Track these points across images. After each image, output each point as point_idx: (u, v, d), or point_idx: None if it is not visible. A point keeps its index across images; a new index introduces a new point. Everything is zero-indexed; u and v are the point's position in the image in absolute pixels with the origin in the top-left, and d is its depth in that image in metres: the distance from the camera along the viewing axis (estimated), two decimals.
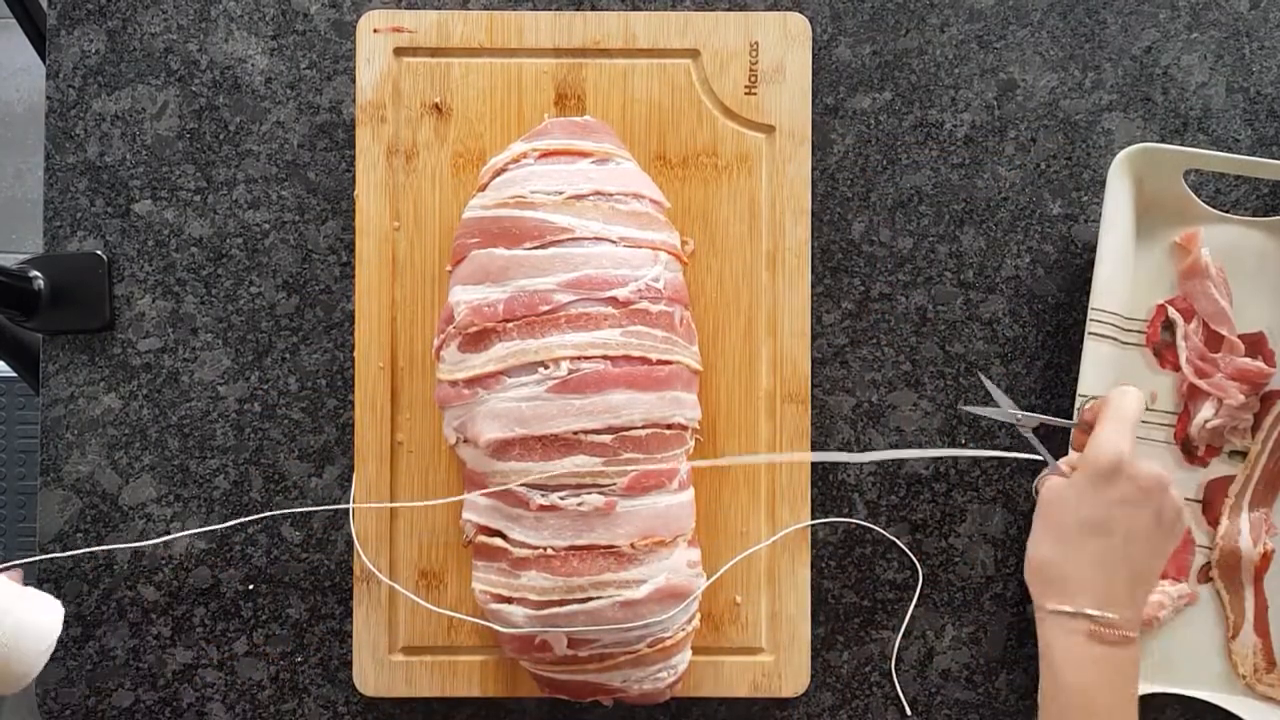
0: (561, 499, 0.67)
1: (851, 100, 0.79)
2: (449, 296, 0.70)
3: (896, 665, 0.78)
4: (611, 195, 0.69)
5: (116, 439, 0.77)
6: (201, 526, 0.77)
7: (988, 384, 0.71)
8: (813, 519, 0.76)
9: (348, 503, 0.75)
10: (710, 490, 0.75)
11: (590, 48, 0.76)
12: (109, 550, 0.76)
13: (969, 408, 0.73)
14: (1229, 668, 0.76)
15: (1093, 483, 0.62)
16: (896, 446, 0.78)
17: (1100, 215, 0.74)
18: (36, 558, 0.75)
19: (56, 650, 0.76)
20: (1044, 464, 0.69)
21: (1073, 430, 0.71)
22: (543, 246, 0.68)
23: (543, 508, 0.67)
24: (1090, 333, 0.73)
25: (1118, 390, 0.66)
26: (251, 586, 0.77)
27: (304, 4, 0.79)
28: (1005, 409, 0.70)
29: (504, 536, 0.68)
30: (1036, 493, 0.67)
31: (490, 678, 0.75)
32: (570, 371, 0.66)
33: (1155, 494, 0.62)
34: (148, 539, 0.77)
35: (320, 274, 0.78)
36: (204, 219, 0.78)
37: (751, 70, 0.76)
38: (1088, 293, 0.73)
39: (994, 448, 0.77)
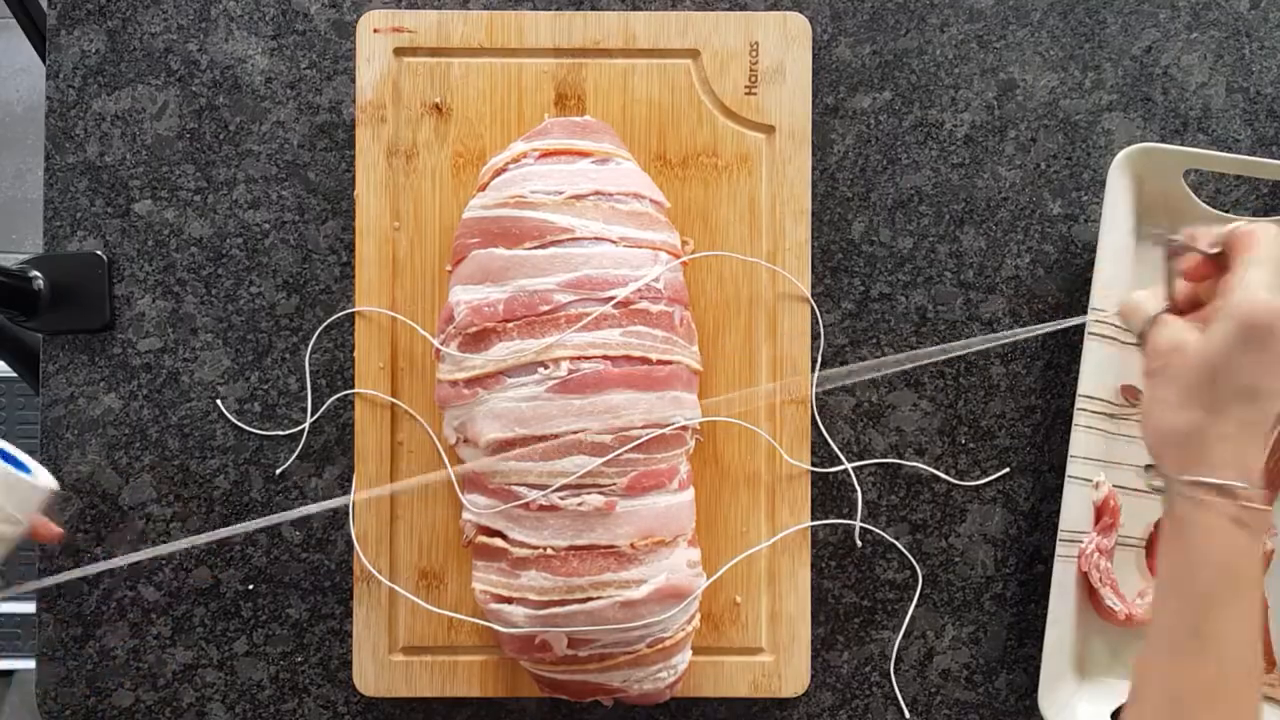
0: (561, 499, 0.67)
1: (851, 100, 0.79)
2: (449, 296, 0.70)
3: (896, 665, 0.77)
4: (611, 195, 0.69)
5: (116, 439, 0.77)
6: (200, 536, 0.77)
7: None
8: (813, 519, 0.76)
9: (348, 504, 0.75)
10: (710, 490, 0.75)
11: (590, 48, 0.76)
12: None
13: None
14: None
15: (1246, 340, 0.53)
16: (897, 447, 0.78)
17: (1100, 215, 0.74)
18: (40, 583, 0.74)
19: (56, 650, 0.76)
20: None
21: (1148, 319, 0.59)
22: (543, 246, 0.68)
23: (543, 508, 0.67)
24: (1090, 333, 0.73)
25: (1259, 226, 0.56)
26: (251, 586, 0.77)
27: (304, 4, 0.79)
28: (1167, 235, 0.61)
29: (504, 536, 0.68)
30: (1143, 338, 0.58)
31: (490, 678, 0.75)
32: (570, 371, 0.66)
33: None
34: (148, 539, 0.77)
35: (320, 274, 0.78)
36: (204, 219, 0.78)
37: (751, 70, 0.76)
38: (1088, 293, 0.73)
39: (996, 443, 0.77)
